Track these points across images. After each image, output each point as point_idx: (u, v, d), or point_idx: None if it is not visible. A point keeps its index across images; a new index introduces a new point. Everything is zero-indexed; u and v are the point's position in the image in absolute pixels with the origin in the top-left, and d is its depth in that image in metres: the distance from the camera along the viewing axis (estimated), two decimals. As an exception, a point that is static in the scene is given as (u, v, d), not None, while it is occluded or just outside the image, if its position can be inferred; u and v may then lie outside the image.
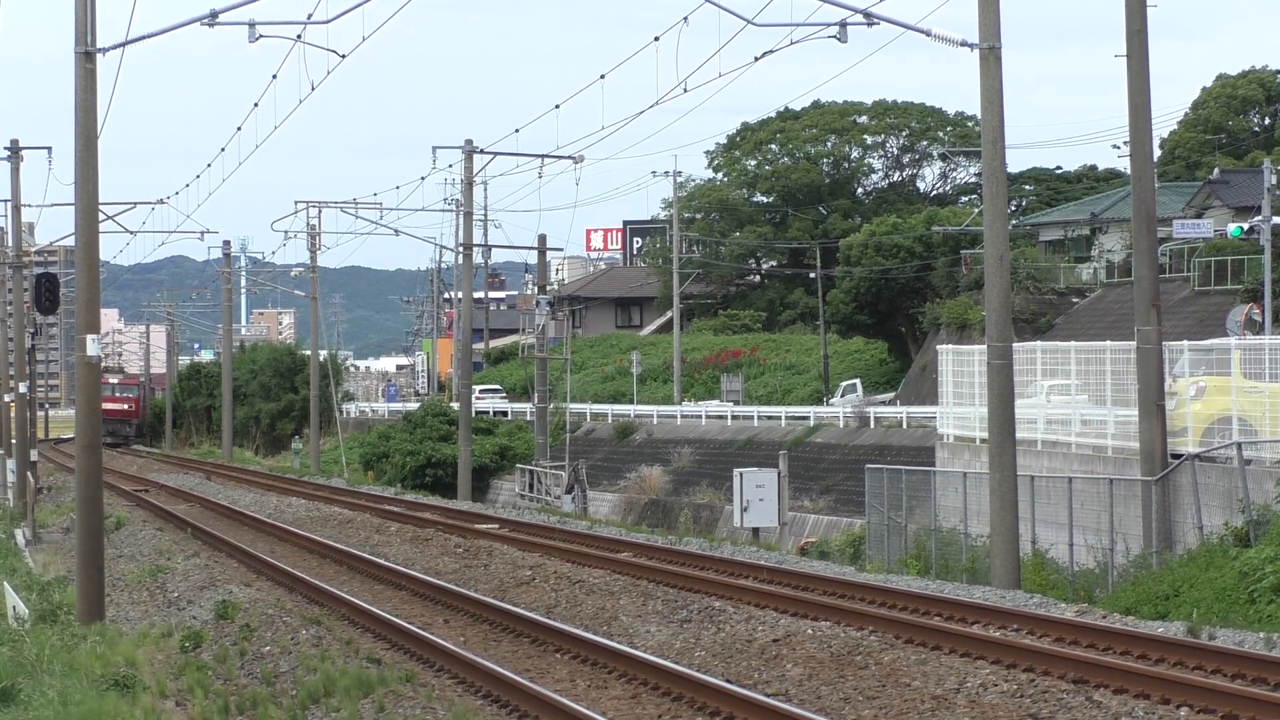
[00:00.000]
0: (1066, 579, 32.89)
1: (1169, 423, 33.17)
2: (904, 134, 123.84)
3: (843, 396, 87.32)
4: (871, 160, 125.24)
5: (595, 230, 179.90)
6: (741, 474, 49.68)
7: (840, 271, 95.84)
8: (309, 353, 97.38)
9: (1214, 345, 35.53)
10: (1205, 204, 79.64)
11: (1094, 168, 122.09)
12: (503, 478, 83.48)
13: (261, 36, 29.29)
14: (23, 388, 61.90)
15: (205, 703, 19.87)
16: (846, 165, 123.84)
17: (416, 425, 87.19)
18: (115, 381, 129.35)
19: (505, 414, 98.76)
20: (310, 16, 30.20)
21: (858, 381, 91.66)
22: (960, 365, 44.18)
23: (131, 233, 75.18)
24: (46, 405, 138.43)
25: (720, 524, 61.90)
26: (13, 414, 64.55)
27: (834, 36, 30.33)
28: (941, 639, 22.13)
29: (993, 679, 19.64)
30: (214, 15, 28.50)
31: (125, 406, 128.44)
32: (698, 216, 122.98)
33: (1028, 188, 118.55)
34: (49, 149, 59.29)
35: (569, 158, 64.27)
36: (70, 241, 39.92)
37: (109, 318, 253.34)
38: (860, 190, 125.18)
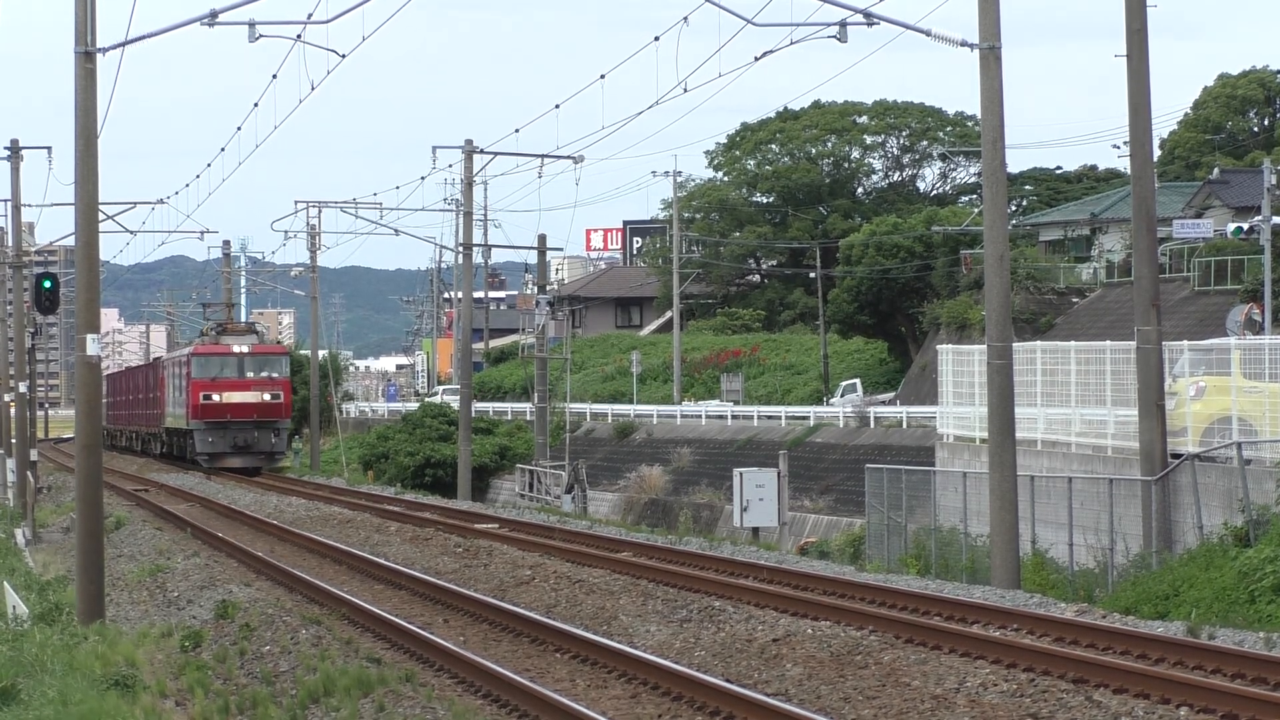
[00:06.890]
0: (1066, 579, 32.87)
1: (1169, 423, 33.14)
2: (904, 134, 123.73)
3: (843, 396, 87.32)
4: (871, 160, 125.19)
5: (595, 230, 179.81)
6: (741, 474, 49.60)
7: (840, 271, 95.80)
8: (308, 352, 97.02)
9: (1214, 345, 35.50)
10: (1205, 204, 79.62)
11: (1094, 168, 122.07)
12: (503, 477, 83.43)
13: (261, 36, 29.31)
14: (23, 388, 61.95)
15: (205, 702, 19.88)
16: (846, 165, 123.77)
17: (416, 425, 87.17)
18: (244, 351, 74.17)
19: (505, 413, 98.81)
20: (310, 16, 30.23)
21: (858, 381, 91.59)
22: (960, 365, 44.15)
23: (131, 232, 74.99)
24: (46, 405, 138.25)
25: (720, 524, 61.87)
26: (13, 414, 64.59)
27: (834, 36, 30.35)
28: (941, 639, 22.15)
29: (993, 679, 19.65)
30: (214, 15, 28.51)
31: (267, 397, 73.44)
32: (698, 216, 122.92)
33: (1028, 188, 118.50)
34: (49, 149, 59.35)
35: (569, 158, 64.33)
36: (70, 241, 39.90)
37: (109, 317, 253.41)
38: (860, 190, 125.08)
